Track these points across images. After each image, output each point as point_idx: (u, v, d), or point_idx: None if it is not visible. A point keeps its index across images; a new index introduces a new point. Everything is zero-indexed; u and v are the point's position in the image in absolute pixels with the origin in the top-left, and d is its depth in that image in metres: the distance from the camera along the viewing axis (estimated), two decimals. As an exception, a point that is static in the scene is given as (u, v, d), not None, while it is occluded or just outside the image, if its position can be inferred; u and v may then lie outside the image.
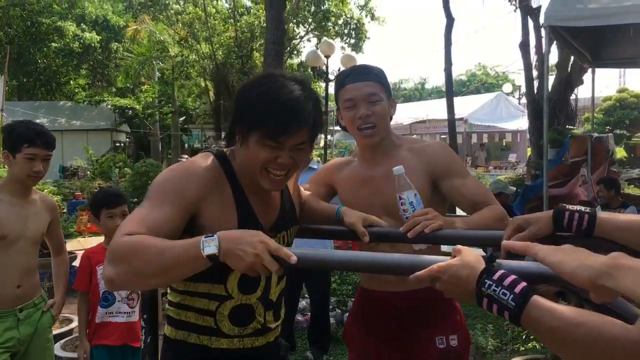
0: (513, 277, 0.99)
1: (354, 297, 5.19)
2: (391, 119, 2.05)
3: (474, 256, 1.10)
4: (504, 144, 23.37)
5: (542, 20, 6.42)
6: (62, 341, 4.39)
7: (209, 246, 1.19)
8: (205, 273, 1.30)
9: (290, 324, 4.43)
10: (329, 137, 22.74)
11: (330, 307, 5.07)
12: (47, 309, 2.80)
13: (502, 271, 1.01)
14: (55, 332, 4.57)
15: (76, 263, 6.46)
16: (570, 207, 1.39)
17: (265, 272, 1.21)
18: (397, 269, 1.22)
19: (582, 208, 1.38)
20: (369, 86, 1.94)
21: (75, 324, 4.68)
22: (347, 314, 5.02)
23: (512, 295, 0.96)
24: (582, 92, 10.26)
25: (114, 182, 13.37)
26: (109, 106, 20.20)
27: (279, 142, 1.41)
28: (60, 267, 3.04)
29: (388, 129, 2.02)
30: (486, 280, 1.00)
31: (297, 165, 1.50)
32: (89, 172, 15.54)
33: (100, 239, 3.27)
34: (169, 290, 1.59)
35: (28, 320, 2.67)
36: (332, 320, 4.86)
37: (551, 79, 10.09)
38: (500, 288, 0.98)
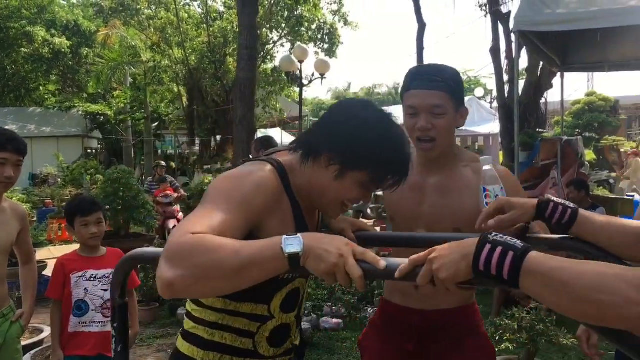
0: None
1: (329, 302, 5.22)
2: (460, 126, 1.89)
3: None
4: (477, 148, 23.64)
5: (512, 25, 6.52)
6: (33, 352, 4.29)
7: (292, 244, 1.08)
8: (252, 292, 1.24)
9: None
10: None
11: (306, 312, 5.07)
12: (16, 320, 2.74)
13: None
14: (25, 342, 4.48)
15: (46, 272, 6.37)
16: (555, 199, 1.42)
17: (345, 279, 1.07)
18: None
19: (566, 202, 1.41)
20: (434, 97, 1.75)
21: (45, 334, 4.59)
22: (323, 318, 5.02)
23: (517, 241, 0.96)
24: (552, 96, 10.43)
25: (86, 189, 13.18)
26: (80, 112, 19.91)
27: (381, 187, 1.41)
28: (29, 277, 2.97)
29: (449, 142, 1.86)
30: (491, 233, 1.00)
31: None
32: (59, 180, 15.29)
33: (72, 247, 3.22)
34: (194, 307, 1.48)
35: None
36: (307, 325, 4.86)
37: (521, 84, 10.27)
38: (505, 236, 0.98)
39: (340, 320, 5.00)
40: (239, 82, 6.75)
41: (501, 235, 0.97)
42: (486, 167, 1.66)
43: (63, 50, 21.52)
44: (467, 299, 1.91)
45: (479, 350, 1.90)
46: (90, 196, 3.74)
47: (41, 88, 24.44)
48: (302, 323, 4.79)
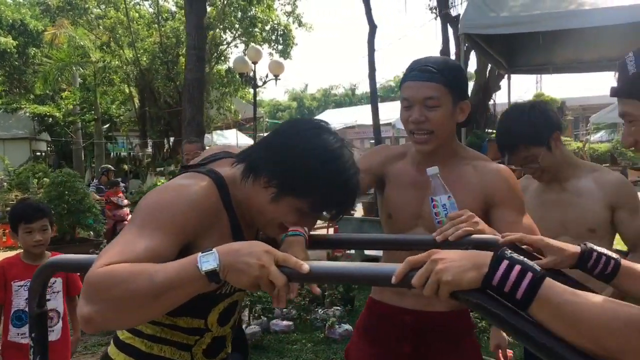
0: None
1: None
2: (461, 124, 1.82)
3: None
4: (431, 148, 24.05)
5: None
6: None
7: (207, 261, 1.04)
8: (188, 307, 1.21)
9: None
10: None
11: (256, 314, 5.03)
12: None
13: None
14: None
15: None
16: (598, 249, 1.36)
17: (269, 288, 1.06)
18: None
19: (609, 252, 1.35)
20: (429, 88, 1.68)
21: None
22: (273, 321, 4.98)
23: (534, 264, 0.94)
24: (501, 98, 10.70)
25: (32, 193, 12.74)
26: (27, 114, 19.28)
27: (321, 214, 1.36)
28: None
29: (447, 137, 1.77)
30: (507, 250, 0.96)
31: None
32: (5, 184, 14.74)
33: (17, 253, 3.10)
34: None
35: None
36: (257, 328, 4.81)
37: (471, 86, 10.49)
38: (522, 258, 0.95)
39: (290, 323, 4.97)
40: (187, 83, 6.66)
41: (517, 254, 0.95)
42: (431, 174, 1.62)
43: (9, 50, 20.80)
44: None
45: (475, 352, 1.87)
46: (35, 202, 3.59)
47: (-14, 89, 23.57)
48: (251, 326, 4.75)
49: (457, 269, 0.96)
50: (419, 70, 1.72)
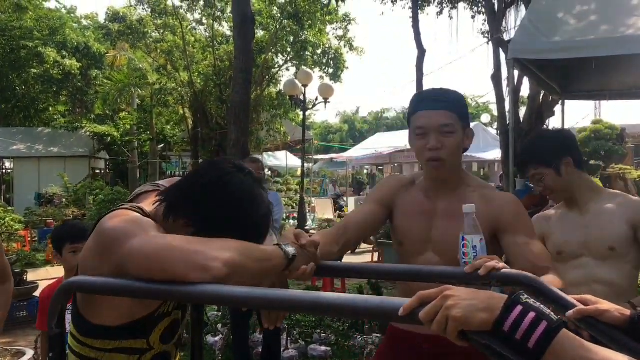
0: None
1: (318, 329, 5.13)
2: (465, 150, 1.91)
3: None
4: (482, 174, 23.57)
5: (510, 52, 6.51)
6: (14, 375, 4.24)
7: (289, 249, 1.40)
8: (130, 330, 1.39)
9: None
10: (309, 164, 22.80)
11: (294, 338, 4.99)
12: None
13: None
14: (6, 365, 4.44)
15: (37, 293, 6.34)
16: None
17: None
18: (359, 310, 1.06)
19: None
20: (442, 116, 1.79)
21: (27, 357, 4.54)
22: (311, 345, 4.93)
23: (551, 312, 0.88)
24: (556, 124, 10.40)
25: (88, 210, 13.19)
26: (88, 133, 20.05)
27: None
28: (2, 297, 2.92)
29: (458, 163, 1.90)
30: (523, 294, 0.91)
31: None
32: (64, 200, 15.34)
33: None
34: (74, 343, 1.50)
35: None
36: (294, 352, 4.77)
37: (523, 111, 10.24)
38: (539, 304, 0.90)
39: (328, 348, 4.91)
40: (233, 105, 6.77)
41: (534, 300, 0.90)
42: (467, 212, 1.60)
43: (73, 71, 21.79)
44: None
45: None
46: (80, 223, 3.68)
47: (50, 109, 24.69)
48: (289, 350, 4.74)
49: (468, 308, 0.92)
50: (432, 100, 1.82)
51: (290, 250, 1.38)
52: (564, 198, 2.41)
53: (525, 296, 0.91)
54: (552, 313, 0.88)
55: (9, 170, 21.68)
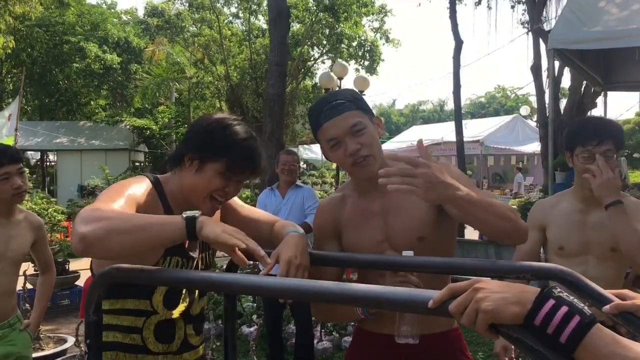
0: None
1: (352, 321, 5.13)
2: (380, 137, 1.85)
3: None
4: (521, 167, 23.15)
5: (550, 43, 6.37)
6: (58, 360, 4.39)
7: (191, 213, 1.36)
8: (133, 288, 1.55)
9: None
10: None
11: (328, 330, 5.01)
12: (24, 328, 2.79)
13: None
14: (49, 352, 4.59)
15: (80, 282, 6.52)
16: None
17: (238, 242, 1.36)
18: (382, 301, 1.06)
19: None
20: (348, 117, 1.72)
21: (69, 344, 4.68)
22: (345, 337, 4.95)
23: (584, 306, 0.86)
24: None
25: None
26: (127, 126, 20.47)
27: (237, 176, 1.61)
28: (44, 287, 3.03)
29: (382, 154, 1.80)
30: (555, 288, 0.89)
31: (233, 196, 1.71)
32: (104, 191, 15.68)
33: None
34: None
35: (4, 341, 2.67)
36: (328, 344, 4.79)
37: (564, 102, 10.01)
38: (572, 298, 0.87)
39: (362, 341, 4.91)
40: (268, 98, 6.80)
41: (567, 294, 0.88)
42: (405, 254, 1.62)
43: (114, 65, 22.23)
44: (451, 322, 1.82)
45: None
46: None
47: (92, 102, 25.28)
48: (323, 342, 4.76)
49: (499, 301, 0.90)
50: (330, 109, 1.73)
51: (191, 213, 1.36)
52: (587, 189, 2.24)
53: (558, 290, 0.89)
54: (585, 308, 0.86)
55: (53, 163, 22.30)
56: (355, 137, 1.72)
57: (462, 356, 1.85)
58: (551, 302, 0.86)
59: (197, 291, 1.74)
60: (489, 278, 1.15)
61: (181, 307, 1.66)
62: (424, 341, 1.70)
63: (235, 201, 1.85)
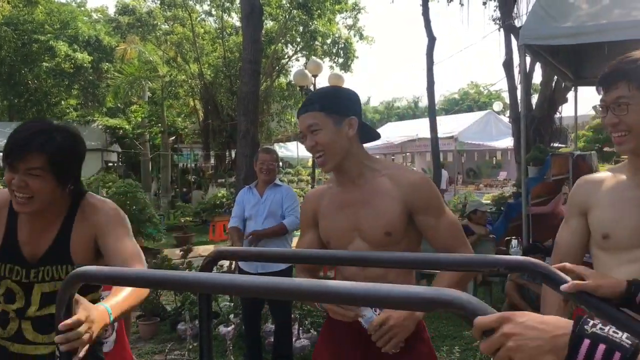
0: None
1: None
2: (355, 139, 2.02)
3: None
4: (494, 162, 23.42)
5: (521, 39, 6.44)
6: None
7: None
8: None
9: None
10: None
11: (305, 328, 5.00)
12: None
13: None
14: None
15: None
16: None
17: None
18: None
19: None
20: (308, 117, 1.97)
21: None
22: (323, 335, 4.94)
23: (624, 334, 0.80)
24: (569, 111, 10.29)
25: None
26: (100, 126, 20.15)
27: (10, 163, 1.71)
28: None
29: (342, 153, 1.98)
30: (589, 320, 0.83)
31: (33, 191, 1.73)
32: (77, 193, 15.42)
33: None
34: None
35: None
36: (306, 342, 4.78)
37: (536, 98, 10.14)
38: (609, 327, 0.82)
39: (340, 338, 4.91)
40: (242, 96, 6.74)
41: (600, 326, 0.82)
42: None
43: (84, 65, 21.86)
44: None
45: (423, 356, 1.99)
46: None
47: (62, 102, 24.82)
48: (300, 340, 4.74)
49: (532, 351, 0.83)
50: (302, 107, 2.02)
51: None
52: (635, 151, 1.66)
53: (591, 324, 0.83)
54: (623, 338, 0.80)
55: (23, 164, 21.83)
56: (313, 135, 1.96)
57: (421, 337, 2.00)
58: (587, 342, 0.80)
59: (39, 297, 1.86)
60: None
61: (17, 304, 1.85)
62: None
63: (110, 226, 1.89)
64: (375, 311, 1.82)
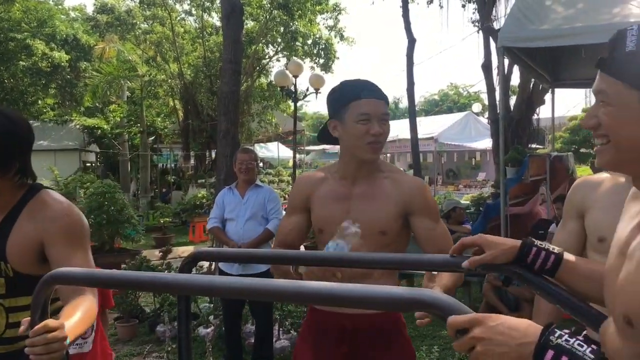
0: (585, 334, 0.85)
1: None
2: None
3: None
4: (474, 163, 23.64)
5: (500, 41, 6.51)
6: None
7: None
8: None
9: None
10: (301, 155, 22.76)
11: (285, 329, 5.00)
12: None
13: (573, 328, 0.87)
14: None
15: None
16: (539, 243, 1.26)
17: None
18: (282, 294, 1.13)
19: (551, 247, 1.26)
20: (383, 106, 2.01)
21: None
22: (303, 336, 4.95)
23: (589, 348, 0.81)
24: (546, 112, 10.44)
25: (79, 203, 13.08)
26: (77, 126, 19.89)
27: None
28: None
29: None
30: (556, 330, 0.84)
31: None
32: (54, 193, 15.19)
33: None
34: None
35: None
36: (286, 342, 4.78)
37: (514, 100, 10.26)
38: (574, 340, 0.83)
39: (320, 338, 4.92)
40: (222, 96, 6.71)
41: (566, 338, 0.83)
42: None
43: (62, 63, 21.53)
44: None
45: (404, 353, 2.04)
46: None
47: (39, 102, 24.45)
48: (281, 340, 4.75)
49: (498, 358, 0.86)
50: (372, 91, 1.99)
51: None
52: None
53: (557, 334, 0.84)
54: (587, 352, 0.81)
55: (-2, 164, 21.46)
56: (382, 124, 1.98)
57: (402, 334, 2.07)
58: (550, 353, 0.82)
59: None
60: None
61: None
62: (368, 317, 1.94)
63: (58, 236, 1.77)
64: (347, 244, 1.82)
